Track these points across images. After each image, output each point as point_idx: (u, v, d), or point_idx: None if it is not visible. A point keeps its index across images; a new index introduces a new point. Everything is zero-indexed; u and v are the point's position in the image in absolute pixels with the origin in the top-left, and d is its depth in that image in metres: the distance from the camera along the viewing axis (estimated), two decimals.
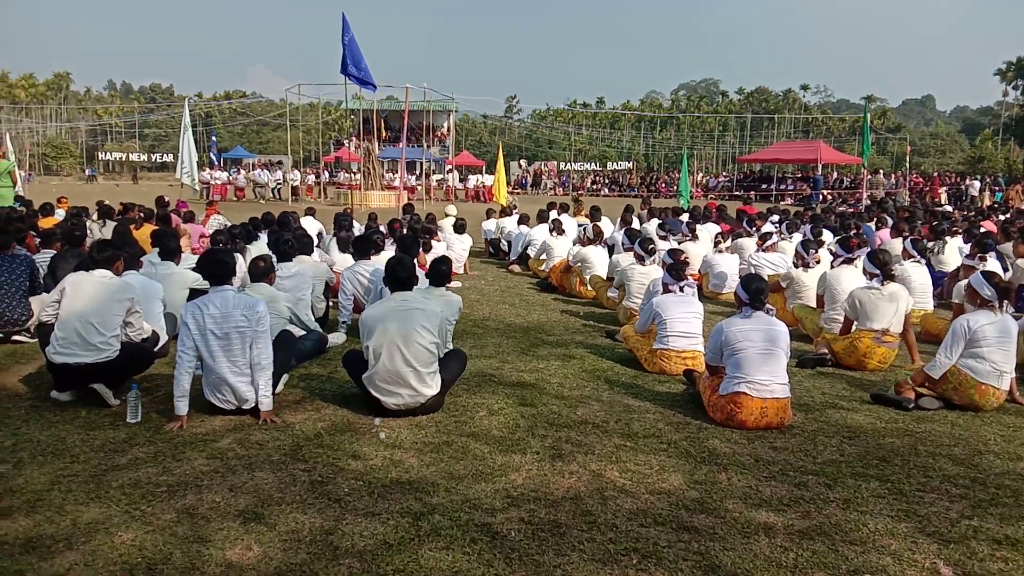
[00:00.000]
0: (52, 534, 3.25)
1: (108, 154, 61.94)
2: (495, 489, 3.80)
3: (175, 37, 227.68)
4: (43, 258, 7.70)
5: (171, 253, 6.95)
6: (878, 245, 10.07)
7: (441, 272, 5.99)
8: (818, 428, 4.88)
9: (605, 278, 9.21)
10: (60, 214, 12.53)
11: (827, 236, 10.86)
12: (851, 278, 6.94)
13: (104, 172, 60.25)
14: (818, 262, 8.12)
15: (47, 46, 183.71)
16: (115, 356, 4.97)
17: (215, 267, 4.84)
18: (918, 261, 8.13)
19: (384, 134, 43.75)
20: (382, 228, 10.72)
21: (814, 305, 7.51)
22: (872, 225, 12.84)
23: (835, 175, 42.73)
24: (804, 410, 5.23)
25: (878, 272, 6.31)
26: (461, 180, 41.28)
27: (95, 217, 12.19)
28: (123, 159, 59.04)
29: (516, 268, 12.18)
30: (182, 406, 4.60)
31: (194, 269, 6.88)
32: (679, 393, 5.60)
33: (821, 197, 33.37)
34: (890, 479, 4.04)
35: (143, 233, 9.58)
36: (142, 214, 11.46)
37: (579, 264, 9.68)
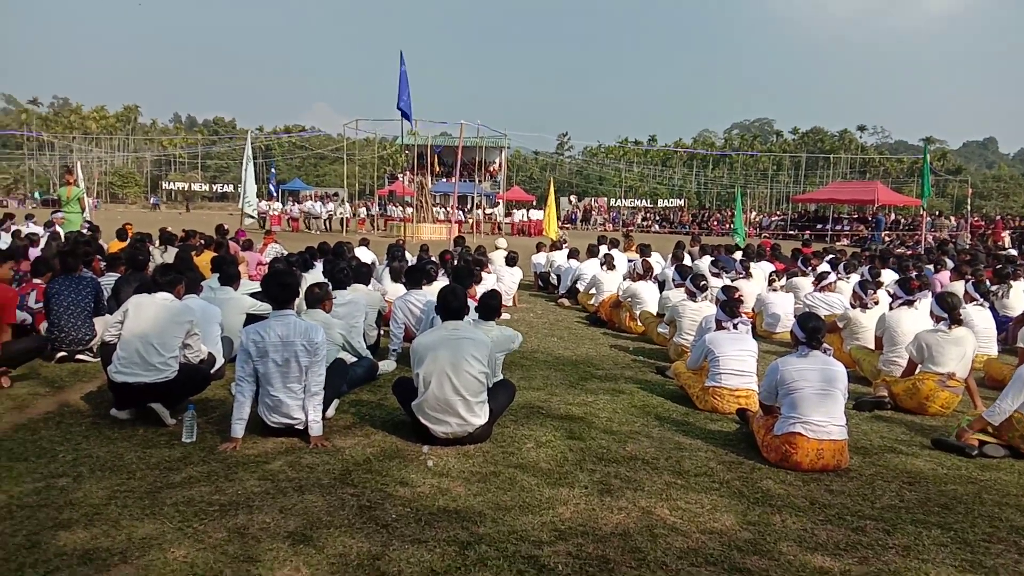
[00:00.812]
0: (108, 547, 3.31)
1: (172, 183, 64.10)
2: (542, 522, 3.76)
3: (239, 73, 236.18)
4: (107, 281, 7.96)
5: (230, 279, 7.13)
6: (939, 288, 9.79)
7: (490, 306, 6.00)
8: (876, 472, 4.72)
9: (655, 314, 9.13)
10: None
11: (886, 277, 10.61)
12: (912, 320, 6.75)
13: (167, 201, 62.33)
14: (876, 303, 7.93)
15: (118, 80, 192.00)
16: (173, 376, 5.10)
17: (279, 290, 4.95)
18: (981, 305, 7.89)
19: (437, 169, 44.39)
20: (434, 259, 10.83)
21: (872, 347, 7.32)
22: (932, 268, 12.50)
23: (892, 217, 41.82)
24: (861, 453, 5.07)
25: (946, 315, 6.12)
26: (507, 214, 41.61)
27: (157, 243, 12.59)
28: (186, 189, 61.01)
29: (565, 302, 12.16)
30: (239, 429, 4.68)
31: (258, 292, 7.08)
32: (731, 432, 5.48)
33: (881, 239, 32.65)
34: (953, 527, 3.88)
35: (203, 259, 9.86)
36: (203, 241, 11.79)
37: (629, 299, 9.63)
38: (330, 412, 5.27)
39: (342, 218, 34.22)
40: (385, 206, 39.21)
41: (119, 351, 5.07)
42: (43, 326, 7.00)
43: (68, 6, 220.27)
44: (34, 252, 10.82)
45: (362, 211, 36.81)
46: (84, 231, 13.18)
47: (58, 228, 14.70)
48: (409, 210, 31.04)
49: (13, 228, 14.71)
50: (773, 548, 3.55)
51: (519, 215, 40.47)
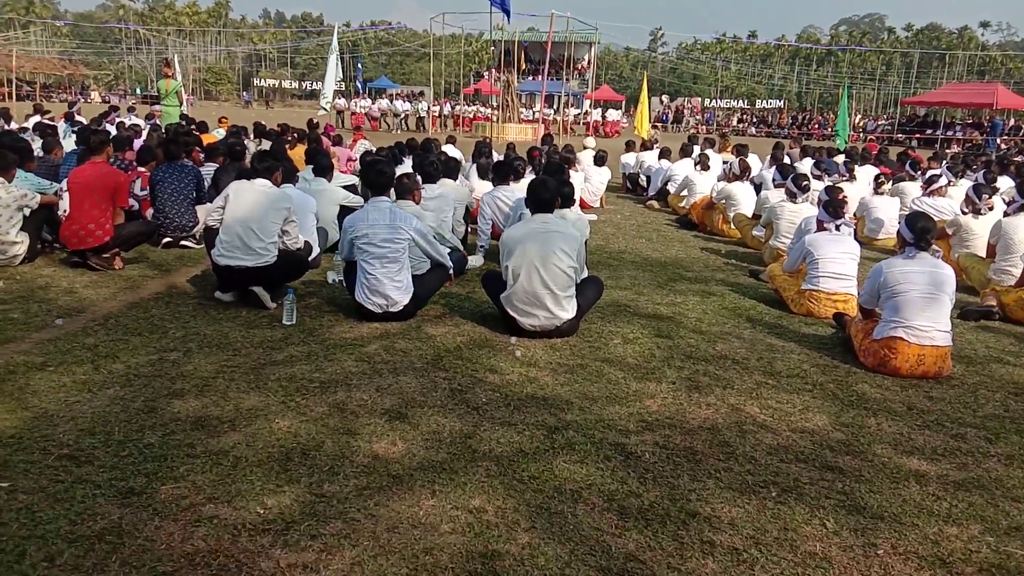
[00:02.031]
0: (218, 416, 3.53)
1: (263, 80, 64.97)
2: (629, 412, 3.78)
3: None
4: (207, 171, 8.20)
5: (324, 170, 7.24)
6: None
7: (565, 195, 5.96)
8: (979, 381, 4.53)
9: (751, 216, 8.83)
10: (220, 133, 13.30)
11: (1002, 183, 9.91)
12: None
13: (258, 98, 63.37)
14: (991, 208, 7.43)
15: None
16: (273, 261, 5.27)
17: (376, 176, 5.23)
18: None
19: (524, 66, 43.38)
20: (521, 156, 10.70)
21: (983, 255, 6.91)
22: None
23: (1012, 122, 38.74)
24: (965, 362, 4.87)
25: None
26: (585, 114, 40.23)
27: (252, 136, 12.86)
28: (276, 85, 61.80)
29: (654, 204, 11.91)
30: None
31: (350, 185, 7.21)
32: (827, 336, 5.33)
33: (997, 145, 30.40)
34: None
35: (296, 153, 10.02)
36: (295, 135, 11.97)
37: (723, 201, 9.33)
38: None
39: (418, 117, 34.20)
40: (453, 105, 38.52)
41: (221, 235, 5.26)
42: (149, 212, 7.32)
43: None
44: (137, 143, 11.24)
45: (434, 109, 36.39)
46: (182, 124, 13.55)
47: (158, 120, 15.19)
48: (483, 109, 30.60)
49: (117, 120, 15.28)
50: (867, 449, 3.48)
51: (595, 115, 39.09)
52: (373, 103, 36.84)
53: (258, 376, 4.04)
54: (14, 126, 13.72)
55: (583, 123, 37.78)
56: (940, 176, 9.16)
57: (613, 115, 39.25)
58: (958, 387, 4.42)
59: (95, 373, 3.99)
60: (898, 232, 4.87)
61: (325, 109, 20.58)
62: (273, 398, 3.75)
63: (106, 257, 6.15)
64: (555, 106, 35.84)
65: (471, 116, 35.89)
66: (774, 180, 8.68)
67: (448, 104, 38.22)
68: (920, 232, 4.62)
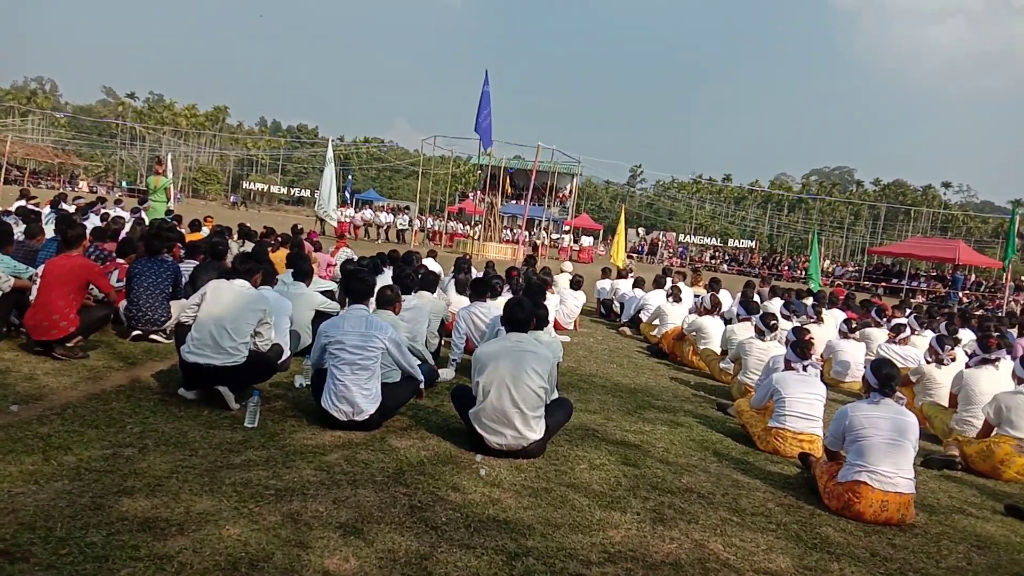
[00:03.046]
0: (167, 518, 3.40)
1: (252, 184, 66.20)
2: (592, 542, 3.70)
3: (328, 84, 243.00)
4: (186, 267, 8.23)
5: (304, 275, 7.30)
6: (1021, 354, 9.35)
7: (540, 316, 6.08)
8: (943, 532, 4.51)
9: (718, 350, 8.96)
10: (205, 231, 13.43)
11: (964, 335, 10.21)
12: (991, 380, 6.47)
13: (246, 201, 64.37)
14: (953, 359, 7.62)
15: (211, 81, 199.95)
16: (242, 362, 5.23)
17: (357, 283, 5.37)
18: None
19: (508, 190, 44.74)
20: (500, 275, 10.88)
21: (945, 404, 7.03)
22: (1014, 331, 11.96)
23: (973, 278, 40.24)
24: (927, 511, 4.86)
25: None
26: (557, 237, 41.32)
27: (236, 237, 12.99)
28: (264, 190, 62.95)
29: (627, 331, 12.06)
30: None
31: (327, 291, 7.28)
32: (792, 475, 5.32)
33: (959, 299, 31.44)
34: None
35: (278, 256, 10.12)
36: (279, 239, 12.12)
37: (694, 333, 9.48)
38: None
39: (399, 230, 34.91)
40: (433, 221, 39.20)
41: (193, 332, 5.23)
42: (122, 304, 7.27)
43: (173, 7, 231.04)
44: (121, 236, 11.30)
45: (415, 223, 37.16)
46: (168, 220, 13.68)
47: (143, 215, 15.32)
48: (460, 227, 31.25)
49: (102, 211, 15.40)
50: None
51: (566, 240, 40.12)
52: (356, 212, 37.56)
53: (213, 479, 3.92)
54: None
55: (558, 247, 38.62)
56: (905, 325, 9.42)
57: (586, 241, 40.32)
58: (921, 536, 4.39)
59: (44, 464, 3.85)
60: (864, 377, 4.96)
61: (332, 220, 20.92)
62: (226, 503, 3.63)
63: (70, 347, 6.06)
64: (535, 230, 36.80)
65: (450, 232, 36.64)
66: (738, 315, 8.88)
67: (428, 219, 38.92)
68: (885, 379, 4.72)
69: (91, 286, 6.37)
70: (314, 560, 3.14)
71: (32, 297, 6.35)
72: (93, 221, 13.59)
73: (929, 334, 9.49)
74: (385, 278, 8.99)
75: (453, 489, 4.19)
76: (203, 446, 4.41)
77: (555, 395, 5.41)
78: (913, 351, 8.86)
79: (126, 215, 15.67)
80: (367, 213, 37.10)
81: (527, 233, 35.22)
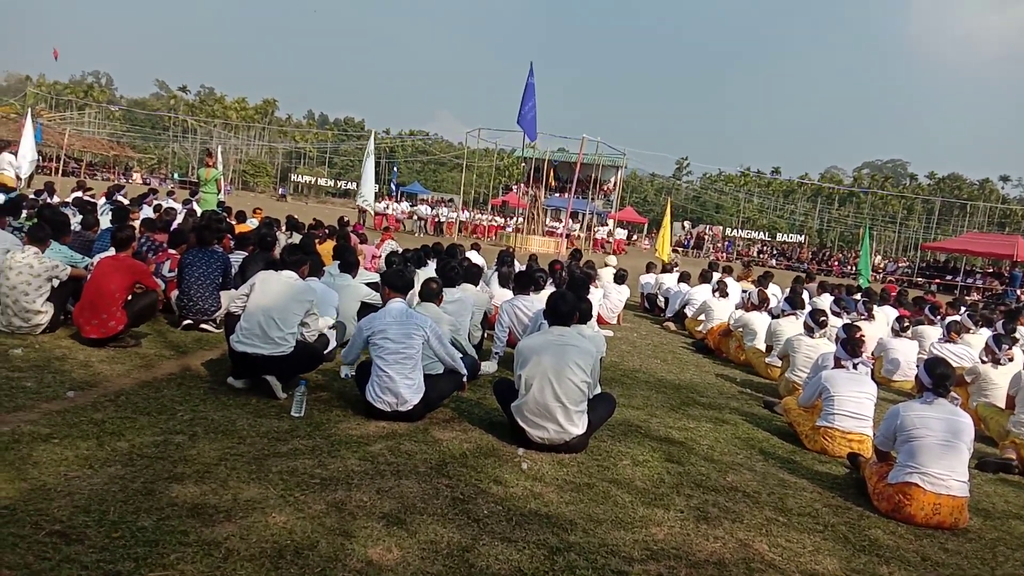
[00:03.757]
0: (215, 504, 3.47)
1: (300, 176, 67.17)
2: (635, 539, 3.67)
3: (374, 77, 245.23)
4: (236, 258, 8.38)
5: (350, 267, 7.39)
6: None
7: (584, 310, 6.05)
8: (998, 537, 4.37)
9: (764, 345, 8.82)
10: (253, 223, 13.66)
11: (1022, 333, 9.87)
12: None
13: (293, 193, 65.35)
14: (1011, 359, 7.37)
15: (261, 74, 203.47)
16: (290, 352, 5.31)
17: (396, 278, 5.38)
18: None
19: (552, 183, 44.59)
20: (543, 268, 10.86)
21: (1002, 405, 6.80)
22: None
23: None
24: (982, 516, 4.71)
25: None
26: (589, 228, 40.82)
27: (284, 229, 13.19)
28: (312, 183, 63.84)
29: (671, 326, 11.93)
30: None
31: (373, 283, 7.35)
32: (840, 476, 5.20)
33: (1016, 296, 30.43)
34: None
35: (325, 248, 10.24)
36: (326, 231, 12.27)
37: (740, 329, 9.34)
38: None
39: (437, 222, 35.08)
40: (471, 214, 39.18)
41: (242, 322, 5.32)
42: (174, 294, 7.44)
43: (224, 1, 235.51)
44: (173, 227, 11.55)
45: (452, 216, 37.35)
46: (219, 211, 13.95)
47: (195, 206, 15.65)
48: (496, 219, 31.28)
49: (155, 202, 15.77)
50: None
51: (602, 232, 39.64)
52: (398, 205, 37.93)
53: (260, 467, 3.99)
54: (56, 200, 14.20)
55: (592, 239, 38.12)
56: (960, 323, 9.15)
57: (620, 234, 39.91)
58: (975, 541, 4.26)
59: (99, 449, 3.96)
60: (916, 376, 4.82)
61: (369, 206, 21.19)
62: (272, 491, 3.69)
63: (124, 340, 6.22)
64: (581, 223, 36.62)
65: (487, 225, 36.69)
66: (783, 310, 8.72)
67: (465, 212, 38.88)
68: (939, 378, 4.58)
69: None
70: (358, 549, 3.18)
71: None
72: (146, 212, 13.95)
73: (985, 332, 9.19)
74: (429, 271, 9.04)
75: (495, 482, 4.19)
76: (251, 434, 4.49)
77: (598, 390, 5.39)
78: (967, 350, 8.60)
79: (178, 206, 16.01)
80: (404, 205, 37.45)
81: (575, 225, 35.09)
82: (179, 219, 12.57)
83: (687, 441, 5.55)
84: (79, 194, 15.52)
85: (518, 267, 11.22)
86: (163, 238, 8.49)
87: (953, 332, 8.84)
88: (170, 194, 20.70)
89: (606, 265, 13.43)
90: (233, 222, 12.72)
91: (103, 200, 14.76)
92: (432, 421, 5.20)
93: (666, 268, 15.05)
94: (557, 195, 44.93)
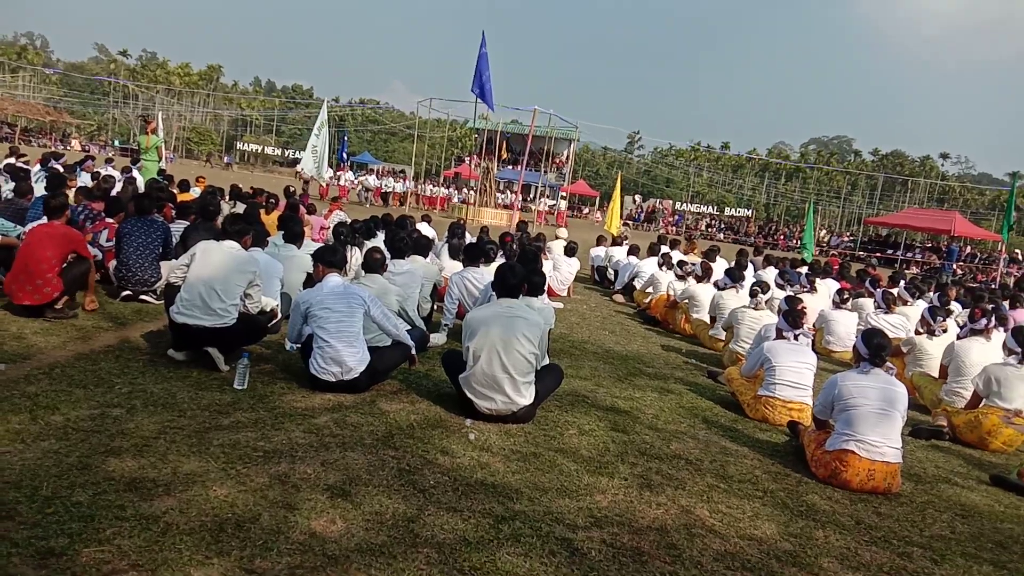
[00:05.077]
0: (153, 478, 3.39)
1: (246, 145, 65.59)
2: (579, 507, 3.72)
3: (323, 44, 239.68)
4: (177, 228, 8.15)
5: (295, 237, 7.25)
6: (1012, 325, 9.37)
7: (536, 283, 6.03)
8: (928, 501, 4.55)
9: (708, 317, 8.98)
10: (196, 192, 13.30)
11: (955, 307, 10.23)
12: (982, 351, 6.48)
13: (239, 162, 63.80)
14: (944, 331, 7.63)
15: (205, 39, 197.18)
16: (232, 324, 5.20)
17: (330, 254, 5.27)
18: None
19: (505, 155, 44.40)
20: (494, 241, 10.82)
21: (935, 375, 7.06)
22: (1007, 304, 11.98)
23: (968, 250, 40.31)
24: (914, 480, 4.89)
25: (1019, 350, 5.86)
26: (526, 200, 40.54)
27: (227, 198, 12.87)
28: (259, 151, 62.41)
29: (620, 298, 12.05)
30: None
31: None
32: (780, 444, 5.35)
33: (953, 270, 31.51)
34: (1006, 566, 3.71)
35: (271, 219, 10.03)
36: (272, 200, 12.02)
37: (686, 301, 9.47)
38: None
39: (385, 192, 34.68)
40: (415, 184, 38.62)
41: (182, 293, 5.19)
42: (112, 264, 7.22)
43: None
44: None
45: (397, 186, 36.88)
46: (159, 180, 13.55)
47: (136, 174, 15.16)
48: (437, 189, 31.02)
49: (93, 169, 15.23)
50: (813, 562, 3.45)
51: (543, 205, 39.53)
52: (347, 175, 37.22)
53: (201, 440, 3.91)
54: None
55: (536, 211, 37.95)
56: (895, 295, 9.42)
57: (562, 205, 39.99)
58: (906, 505, 4.42)
59: (31, 424, 3.84)
60: (854, 347, 4.96)
61: (319, 176, 20.81)
62: (213, 464, 3.63)
63: (59, 308, 6.01)
64: (532, 196, 36.58)
65: (430, 196, 36.36)
66: (724, 283, 8.89)
67: (407, 181, 38.13)
68: (875, 348, 4.71)
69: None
70: (301, 522, 3.15)
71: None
72: (84, 179, 13.47)
73: (921, 304, 9.48)
74: (378, 242, 8.94)
75: (442, 453, 4.20)
76: (191, 407, 4.40)
77: (546, 361, 5.42)
78: (902, 321, 8.88)
79: (116, 174, 15.50)
80: (349, 175, 36.75)
81: (525, 200, 34.97)
82: (118, 187, 12.17)
83: (632, 410, 5.62)
84: (11, 160, 14.89)
85: (469, 239, 11.17)
86: (100, 206, 8.21)
87: (891, 303, 9.10)
88: (108, 161, 19.98)
89: (557, 238, 13.48)
90: (176, 191, 12.38)
91: (38, 167, 14.19)
92: (379, 393, 5.17)
93: (616, 241, 15.16)
94: (510, 167, 44.79)
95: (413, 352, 5.44)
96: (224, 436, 4.00)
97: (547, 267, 10.44)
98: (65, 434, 3.77)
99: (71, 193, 9.07)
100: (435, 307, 8.07)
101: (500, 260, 8.57)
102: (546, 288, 8.33)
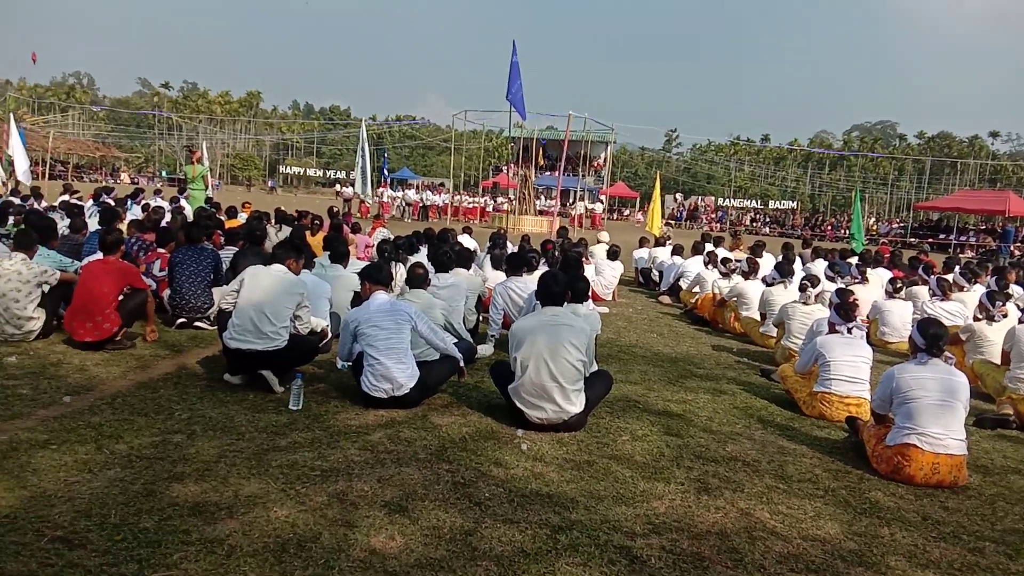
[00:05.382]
0: (216, 501, 3.47)
1: (288, 168, 66.84)
2: (636, 514, 3.69)
3: (356, 63, 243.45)
4: (226, 254, 8.34)
5: (341, 257, 7.37)
6: None
7: (580, 290, 6.02)
8: (997, 492, 4.40)
9: (758, 313, 8.85)
10: (243, 217, 13.59)
11: (1015, 290, 9.90)
12: None
13: (283, 185, 65.03)
14: (1004, 316, 7.39)
15: (243, 67, 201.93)
16: (283, 346, 5.30)
17: (376, 272, 5.38)
18: None
19: (542, 162, 44.42)
20: (535, 249, 10.82)
21: (998, 361, 6.83)
22: None
23: None
24: (981, 472, 4.74)
25: None
26: (566, 205, 39.99)
27: (273, 222, 13.13)
28: (301, 173, 63.54)
29: (666, 299, 11.95)
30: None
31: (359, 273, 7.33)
32: (839, 440, 5.23)
33: (1011, 251, 30.50)
34: None
35: (316, 240, 10.21)
36: (317, 221, 12.23)
37: (735, 299, 9.35)
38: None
39: (422, 206, 34.77)
40: (453, 196, 38.50)
41: (234, 319, 5.31)
42: (166, 293, 7.42)
43: None
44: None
45: (435, 199, 36.95)
46: (207, 208, 13.88)
47: (183, 202, 15.56)
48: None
49: (143, 201, 15.68)
50: (880, 561, 3.36)
51: (580, 207, 38.98)
52: (390, 192, 37.59)
53: (260, 462, 3.99)
54: (43, 204, 14.10)
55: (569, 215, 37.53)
56: (950, 282, 9.16)
57: (597, 208, 39.64)
58: (975, 498, 4.29)
59: (97, 453, 3.96)
60: (910, 337, 4.83)
61: (370, 202, 21.13)
62: (273, 485, 3.70)
63: (118, 340, 6.19)
64: (571, 200, 36.45)
65: (469, 207, 36.39)
66: (773, 277, 8.75)
67: (443, 194, 38.01)
68: (932, 338, 4.59)
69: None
70: (360, 539, 3.19)
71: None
72: (135, 212, 13.87)
73: (979, 289, 9.20)
74: (421, 257, 9.02)
75: (496, 464, 4.21)
76: (249, 430, 4.50)
77: (594, 367, 5.39)
78: (961, 307, 8.63)
79: (165, 204, 15.93)
80: (390, 192, 37.05)
81: (562, 205, 34.84)
82: (167, 217, 12.50)
83: (685, 413, 5.57)
84: (66, 197, 15.42)
85: (511, 248, 11.20)
86: (152, 237, 8.44)
87: (946, 290, 8.85)
88: (157, 192, 20.56)
89: (599, 242, 13.43)
90: (223, 217, 12.68)
91: (90, 202, 14.67)
92: (430, 407, 5.21)
93: (659, 242, 15.04)
94: (548, 174, 44.81)
95: (461, 364, 5.47)
96: (282, 457, 4.08)
97: (590, 272, 10.41)
98: (129, 462, 3.88)
99: (124, 226, 9.37)
100: (480, 318, 8.11)
101: (543, 268, 8.59)
102: (591, 293, 8.31)
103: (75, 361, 5.75)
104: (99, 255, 6.61)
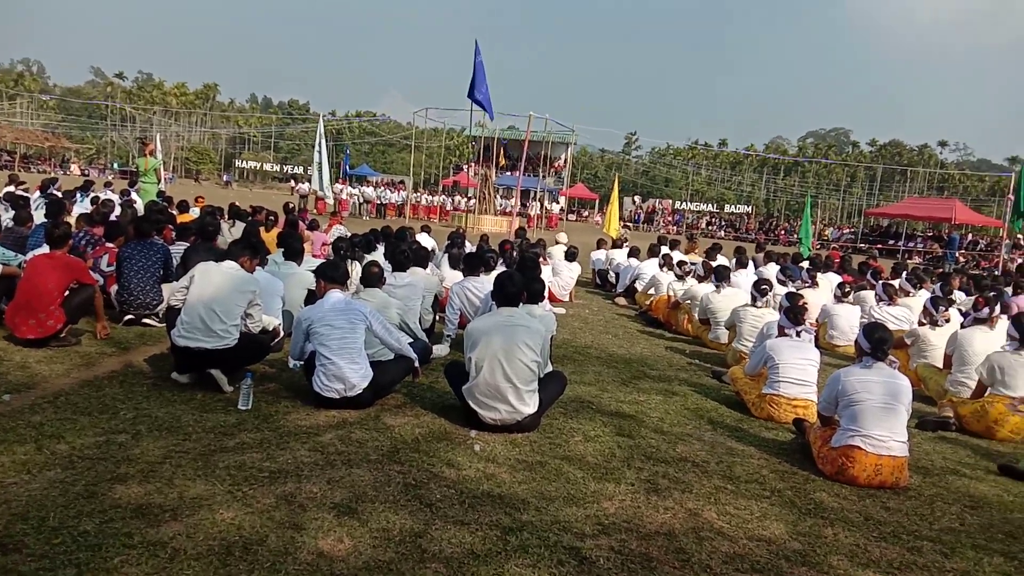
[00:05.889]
0: (160, 503, 3.40)
1: (245, 162, 65.75)
2: (586, 514, 3.71)
3: (317, 58, 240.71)
4: (177, 250, 8.17)
5: (295, 254, 7.27)
6: (1015, 312, 9.34)
7: (535, 291, 6.04)
8: (936, 493, 4.54)
9: (699, 317, 9.00)
10: (195, 212, 13.34)
11: (958, 296, 10.21)
12: (985, 340, 6.47)
13: (239, 179, 63.96)
14: (947, 321, 7.62)
15: (200, 59, 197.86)
16: (233, 344, 5.21)
17: (332, 269, 5.28)
18: None
19: (503, 162, 44.41)
20: (494, 249, 10.82)
21: (940, 365, 7.04)
22: (1009, 290, 11.94)
23: (969, 237, 40.26)
24: (922, 473, 4.88)
25: (1019, 337, 5.85)
26: (523, 205, 39.73)
27: (226, 217, 12.90)
28: (258, 168, 62.58)
29: (622, 301, 12.05)
30: None
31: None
32: (786, 441, 5.33)
33: (956, 258, 31.46)
34: (1017, 556, 3.69)
35: (271, 236, 10.06)
36: (272, 217, 12.05)
37: (688, 301, 9.47)
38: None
39: (381, 204, 34.51)
40: (404, 194, 38.17)
41: (183, 316, 5.20)
42: (113, 289, 7.24)
43: None
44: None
45: (392, 197, 36.44)
46: (159, 201, 13.59)
47: (134, 196, 15.21)
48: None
49: (93, 194, 15.28)
50: (823, 561, 3.44)
51: (535, 208, 38.84)
52: (348, 188, 37.17)
53: (207, 463, 3.92)
54: None
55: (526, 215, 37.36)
56: (895, 287, 9.40)
57: (555, 209, 39.85)
58: (915, 498, 4.41)
59: (37, 453, 3.85)
60: (856, 341, 4.95)
61: (329, 200, 20.85)
62: (220, 487, 3.63)
63: (64, 339, 6.03)
64: (530, 200, 36.55)
65: (425, 206, 36.21)
66: (716, 284, 8.91)
67: (401, 192, 37.75)
68: (877, 342, 4.71)
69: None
70: (308, 541, 3.15)
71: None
72: (84, 205, 13.51)
73: (924, 295, 9.47)
74: (378, 255, 8.96)
75: (448, 465, 4.20)
76: (197, 430, 4.41)
77: (549, 368, 5.42)
78: (905, 312, 8.86)
79: (115, 198, 15.54)
80: (345, 188, 36.69)
81: (521, 205, 34.80)
82: (117, 211, 12.20)
83: (637, 414, 5.62)
84: (11, 188, 14.94)
85: (469, 248, 11.18)
86: (100, 231, 8.23)
87: (893, 295, 9.08)
88: (107, 185, 20.04)
89: (557, 243, 13.49)
90: (175, 212, 12.42)
91: (37, 194, 14.23)
92: (383, 408, 5.17)
93: (616, 244, 15.16)
94: (508, 173, 44.83)
95: (416, 365, 5.45)
96: (230, 458, 4.01)
97: (547, 273, 10.45)
98: (71, 463, 3.78)
99: (72, 219, 9.11)
100: (437, 318, 8.08)
101: (500, 268, 8.59)
102: (547, 294, 8.35)
103: (16, 358, 5.58)
104: (45, 249, 6.41)
